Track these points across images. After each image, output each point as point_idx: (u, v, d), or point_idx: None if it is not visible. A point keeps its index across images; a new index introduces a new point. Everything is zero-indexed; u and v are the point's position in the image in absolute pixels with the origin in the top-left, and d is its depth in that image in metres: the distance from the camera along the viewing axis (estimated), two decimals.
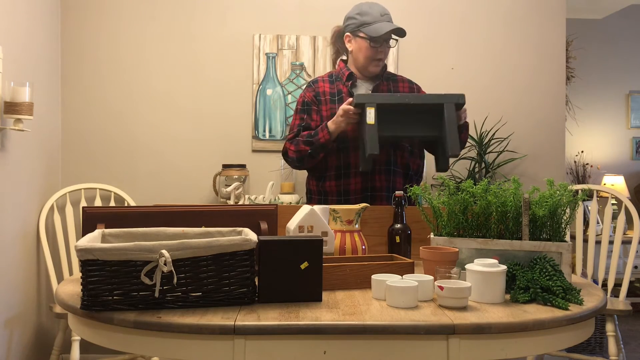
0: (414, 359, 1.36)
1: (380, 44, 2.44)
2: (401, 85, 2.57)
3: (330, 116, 2.44)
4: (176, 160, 3.37)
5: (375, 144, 2.21)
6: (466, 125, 2.48)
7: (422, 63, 3.45)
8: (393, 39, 2.48)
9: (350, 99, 2.31)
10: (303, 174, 3.35)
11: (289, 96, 3.39)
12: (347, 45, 2.53)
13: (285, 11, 3.41)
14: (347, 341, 1.35)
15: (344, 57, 2.61)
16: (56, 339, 2.81)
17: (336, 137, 2.40)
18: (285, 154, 2.53)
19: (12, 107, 2.51)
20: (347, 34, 2.51)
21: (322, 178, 2.50)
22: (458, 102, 2.27)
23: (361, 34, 2.44)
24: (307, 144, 2.42)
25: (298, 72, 3.38)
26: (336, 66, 2.62)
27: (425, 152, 2.59)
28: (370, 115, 2.22)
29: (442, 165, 2.39)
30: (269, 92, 3.38)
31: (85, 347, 3.07)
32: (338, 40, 2.61)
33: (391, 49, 2.52)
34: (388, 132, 2.29)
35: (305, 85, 2.60)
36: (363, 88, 2.53)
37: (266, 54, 3.37)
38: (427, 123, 2.29)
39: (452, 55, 3.49)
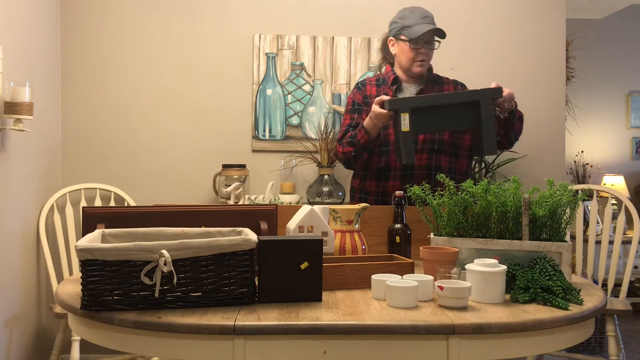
0: (414, 359, 1.36)
1: (420, 45, 2.49)
2: (446, 88, 2.61)
3: None
4: (176, 160, 3.37)
5: (411, 153, 2.18)
6: (519, 115, 2.46)
7: None
8: (436, 40, 2.52)
9: (380, 98, 2.30)
10: (303, 174, 3.35)
11: (289, 96, 3.39)
12: (391, 49, 2.60)
13: (285, 11, 3.41)
14: (347, 341, 1.35)
15: (392, 61, 2.66)
16: (56, 339, 2.81)
17: (377, 136, 2.42)
18: (335, 154, 2.60)
19: (12, 107, 2.51)
20: (391, 38, 2.58)
21: (364, 177, 2.56)
22: (494, 96, 2.23)
23: (402, 37, 2.51)
24: (350, 145, 2.46)
25: (298, 72, 3.38)
26: (383, 70, 2.68)
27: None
28: (405, 122, 2.16)
29: (478, 154, 2.38)
30: (269, 92, 3.38)
31: (85, 347, 3.07)
32: (385, 46, 2.67)
33: (434, 50, 2.56)
34: (425, 130, 2.26)
35: (354, 87, 2.65)
36: (408, 92, 2.57)
37: (266, 54, 3.37)
38: (465, 116, 2.25)
39: (452, 55, 3.48)
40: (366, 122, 2.39)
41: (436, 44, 2.53)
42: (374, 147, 2.47)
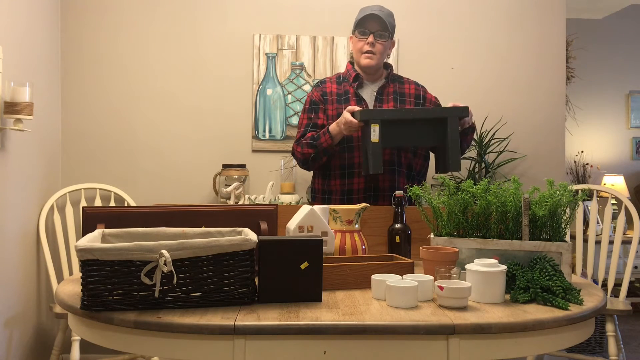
0: (414, 359, 1.36)
1: (366, 34, 2.48)
2: (407, 87, 2.61)
3: (335, 116, 2.46)
4: (176, 160, 3.37)
5: (379, 163, 2.21)
6: (472, 127, 2.49)
7: (422, 63, 3.45)
8: (384, 34, 2.48)
9: (352, 108, 2.31)
10: (303, 174, 3.35)
11: (289, 96, 3.39)
12: (350, 46, 2.61)
13: (285, 11, 3.41)
14: (347, 341, 1.35)
15: (352, 60, 2.66)
16: (56, 339, 2.81)
17: (339, 141, 2.42)
18: (293, 154, 2.58)
19: (12, 107, 2.51)
20: (350, 36, 2.59)
21: (327, 177, 2.53)
22: (462, 115, 2.28)
23: (354, 30, 2.53)
24: (311, 147, 2.44)
25: (298, 72, 3.38)
26: (344, 69, 2.68)
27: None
28: (375, 133, 2.19)
29: (442, 170, 2.40)
30: (269, 92, 3.38)
31: (85, 347, 3.07)
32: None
33: (390, 48, 2.57)
34: (393, 143, 2.31)
35: (313, 85, 2.64)
36: (369, 89, 2.57)
37: (266, 54, 3.37)
38: (431, 132, 2.29)
39: (452, 56, 3.49)
40: (332, 127, 2.38)
41: (385, 35, 2.48)
42: (335, 151, 2.47)
